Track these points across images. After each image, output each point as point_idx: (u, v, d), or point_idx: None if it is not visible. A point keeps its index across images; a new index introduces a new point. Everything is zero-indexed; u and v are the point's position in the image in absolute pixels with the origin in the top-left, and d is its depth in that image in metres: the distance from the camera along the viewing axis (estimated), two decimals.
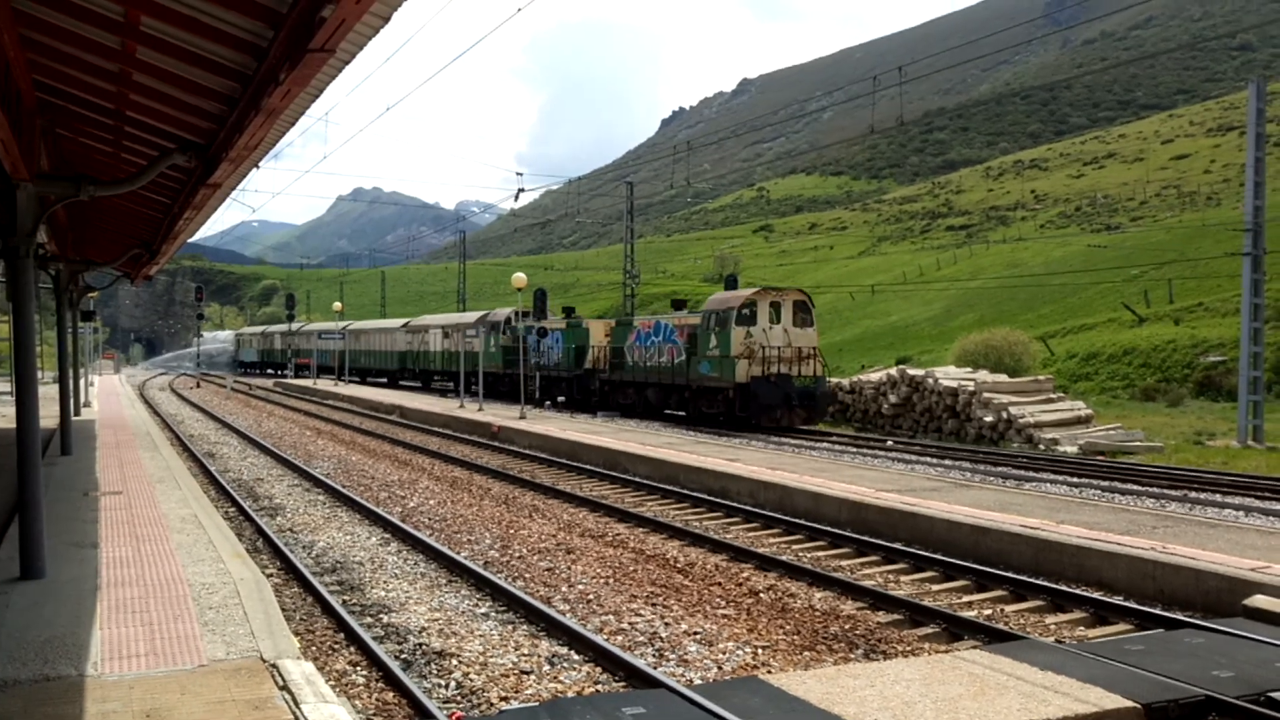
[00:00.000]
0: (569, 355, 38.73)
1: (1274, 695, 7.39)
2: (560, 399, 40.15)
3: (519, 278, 34.45)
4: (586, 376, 37.34)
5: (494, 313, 45.25)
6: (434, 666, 8.69)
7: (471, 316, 51.02)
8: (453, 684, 8.26)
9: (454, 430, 31.70)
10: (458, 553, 12.96)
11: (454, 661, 8.78)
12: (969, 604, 10.90)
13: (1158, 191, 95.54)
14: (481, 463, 22.94)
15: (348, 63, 7.04)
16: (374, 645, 8.94)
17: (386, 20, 6.33)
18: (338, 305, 70.72)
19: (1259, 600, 9.56)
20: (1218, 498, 16.80)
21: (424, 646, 9.21)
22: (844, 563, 12.92)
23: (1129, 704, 7.16)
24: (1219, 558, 10.78)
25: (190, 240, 22.22)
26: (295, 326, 75.42)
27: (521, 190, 48.25)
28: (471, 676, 8.40)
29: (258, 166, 11.53)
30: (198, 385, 64.80)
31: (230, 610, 8.74)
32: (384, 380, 60.33)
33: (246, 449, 27.09)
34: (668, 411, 34.19)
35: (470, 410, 35.17)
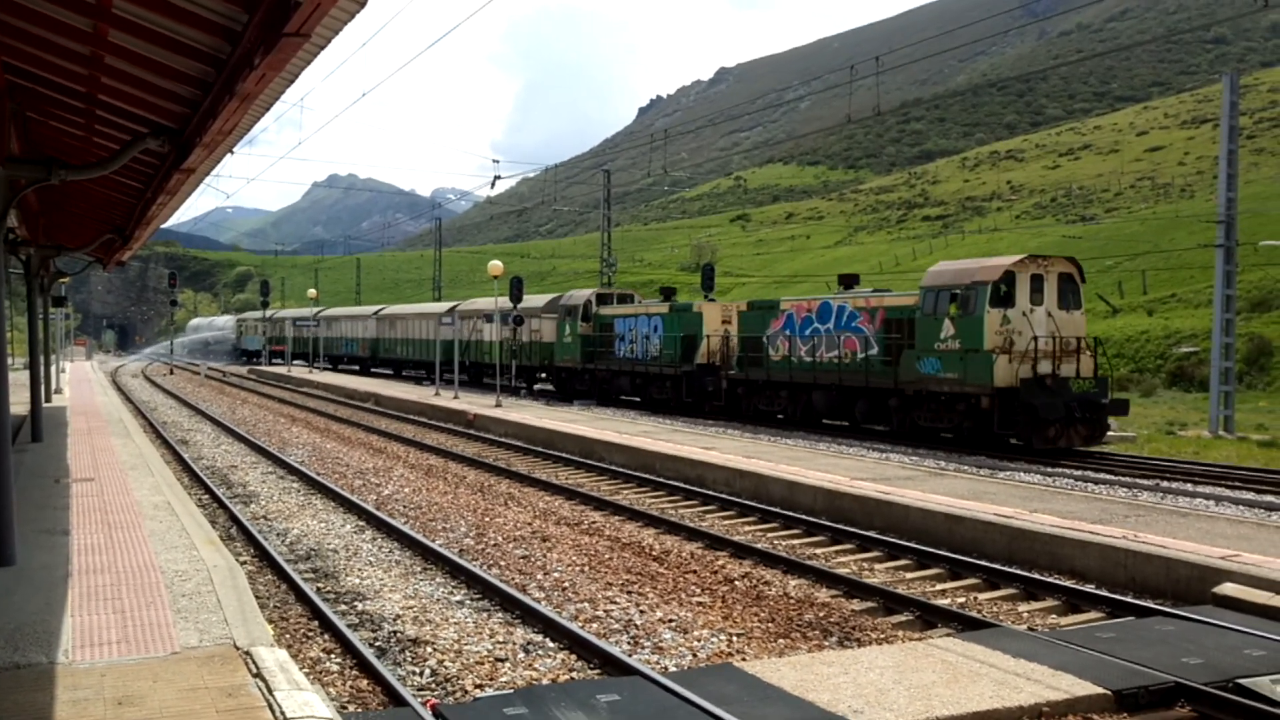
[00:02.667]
0: (674, 347, 31.51)
1: (1242, 682, 7.47)
2: (634, 397, 34.47)
3: (495, 265, 34.33)
4: (699, 374, 30.73)
5: (571, 295, 38.27)
6: (409, 654, 8.67)
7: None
8: (427, 671, 8.25)
9: (439, 420, 31.63)
10: (433, 540, 12.93)
11: (429, 649, 8.76)
12: (943, 592, 10.97)
13: (1132, 183, 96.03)
14: (458, 450, 22.89)
15: (323, 48, 6.99)
16: (348, 632, 8.92)
17: (362, 4, 6.28)
18: (312, 292, 70.33)
19: (1228, 588, 9.65)
20: (1189, 487, 16.95)
21: (399, 634, 9.19)
22: (819, 551, 12.97)
23: (1100, 691, 7.23)
24: (1189, 546, 10.88)
25: (164, 226, 22.04)
26: (316, 312, 69.71)
27: (498, 177, 48.03)
28: (446, 664, 8.39)
29: (232, 152, 11.43)
30: (171, 372, 64.37)
31: (203, 598, 8.69)
32: (420, 372, 52.00)
33: (220, 436, 26.93)
34: (834, 422, 26.64)
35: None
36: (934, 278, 22.67)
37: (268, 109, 8.75)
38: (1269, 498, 15.74)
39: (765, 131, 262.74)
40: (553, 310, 39.04)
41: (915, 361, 22.68)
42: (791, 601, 10.36)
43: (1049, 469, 19.15)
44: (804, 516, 14.52)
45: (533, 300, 41.02)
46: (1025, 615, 10.13)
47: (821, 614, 9.91)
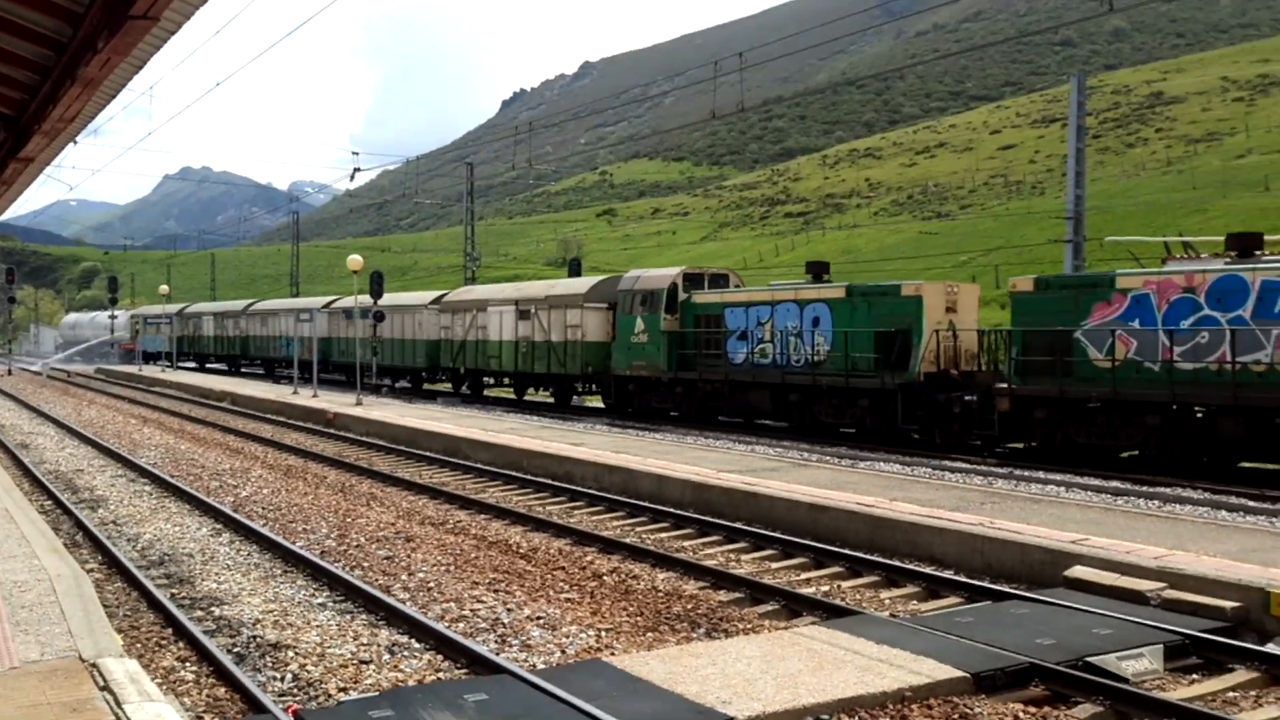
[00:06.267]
0: (863, 346, 22.11)
1: (1091, 660, 7.78)
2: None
3: (354, 260, 33.55)
4: (917, 389, 20.93)
5: (640, 275, 28.42)
6: (269, 659, 8.41)
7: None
8: (289, 676, 8.01)
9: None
10: (293, 542, 12.58)
11: (290, 653, 8.51)
12: (808, 581, 11.14)
13: (986, 180, 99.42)
14: (319, 450, 22.36)
15: (173, 33, 6.71)
16: (204, 639, 8.59)
17: None
18: (164, 288, 67.84)
19: (1078, 571, 10.04)
20: (1041, 475, 17.54)
21: (258, 639, 8.90)
22: (687, 543, 13.05)
23: (959, 674, 7.43)
24: (1042, 532, 11.27)
25: None
26: (180, 309, 63.45)
27: (357, 170, 47.03)
28: (309, 668, 8.16)
29: (75, 141, 10.93)
30: (9, 372, 61.33)
31: (45, 609, 8.26)
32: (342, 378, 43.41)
33: (65, 439, 25.76)
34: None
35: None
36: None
37: (113, 96, 8.36)
38: (1114, 483, 16.43)
39: (630, 126, 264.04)
40: (601, 298, 29.56)
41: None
42: (660, 595, 10.39)
43: (907, 458, 19.63)
44: (672, 510, 14.59)
45: (568, 286, 32.28)
46: (887, 602, 10.35)
47: (690, 606, 9.96)
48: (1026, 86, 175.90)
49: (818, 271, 25.02)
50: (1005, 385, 19.43)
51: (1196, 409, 17.01)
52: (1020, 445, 20.01)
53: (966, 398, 20.25)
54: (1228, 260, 17.53)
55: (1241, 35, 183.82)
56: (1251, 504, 14.54)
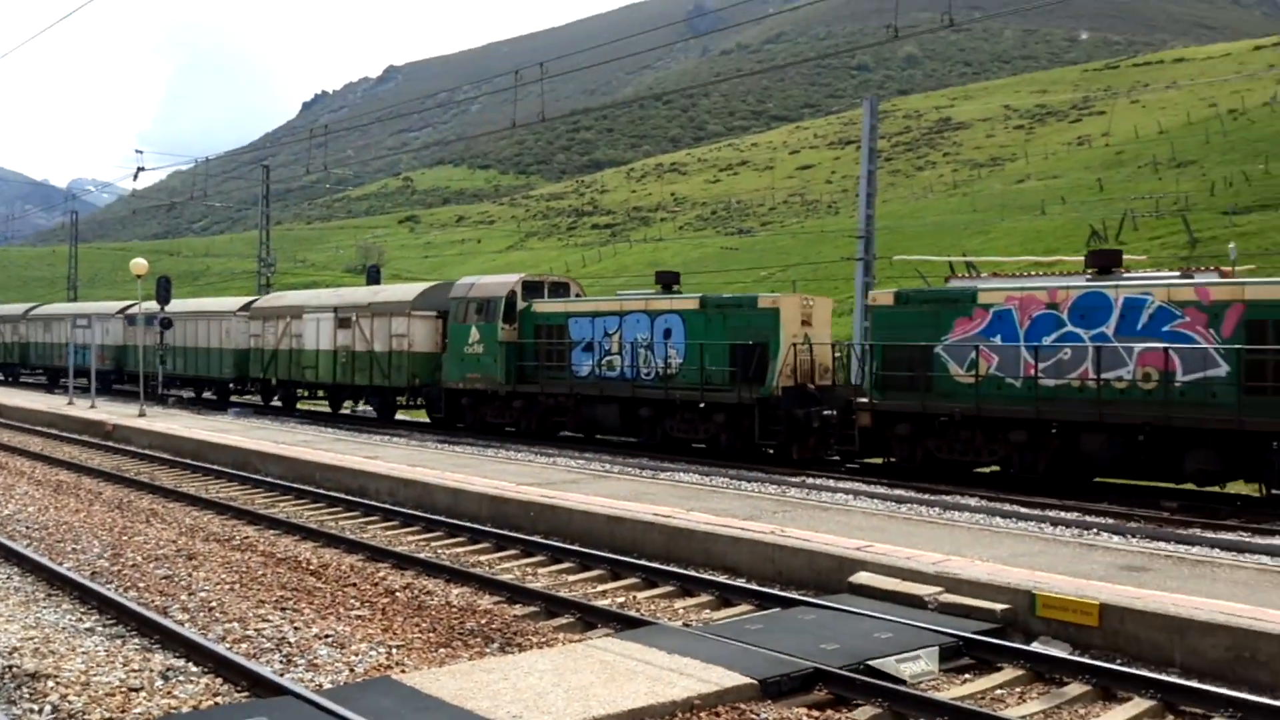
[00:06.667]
0: (719, 359, 21.48)
1: (872, 663, 8.05)
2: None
3: (138, 263, 31.76)
4: (775, 403, 20.45)
5: (480, 282, 26.88)
6: (25, 690, 7.82)
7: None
8: (48, 708, 7.46)
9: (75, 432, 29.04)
10: (60, 563, 11.79)
11: (50, 683, 7.94)
12: (604, 593, 11.15)
13: (785, 198, 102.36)
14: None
15: None
16: None
17: None
18: None
19: (862, 577, 10.38)
20: (830, 483, 18.13)
21: (14, 669, 8.27)
22: (483, 558, 12.88)
23: (747, 680, 7.56)
24: (830, 539, 11.62)
25: None
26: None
27: (141, 169, 44.72)
28: (70, 698, 7.62)
29: None
30: None
31: None
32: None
33: None
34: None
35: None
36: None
37: None
38: (899, 491, 17.11)
39: (435, 132, 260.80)
40: (431, 306, 28.01)
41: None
42: (454, 610, 10.20)
43: (706, 469, 19.95)
44: (470, 524, 14.38)
45: (394, 292, 30.30)
46: (681, 612, 10.46)
47: (484, 621, 9.82)
48: (824, 108, 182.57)
49: (667, 282, 24.36)
50: (866, 400, 19.30)
51: (1053, 426, 17.07)
52: (879, 461, 20.09)
53: (826, 412, 20.18)
54: (1089, 277, 17.80)
55: (1023, 66, 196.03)
56: (1023, 510, 15.38)
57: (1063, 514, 15.09)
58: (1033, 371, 17.24)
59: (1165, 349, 15.93)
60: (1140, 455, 16.23)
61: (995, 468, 18.44)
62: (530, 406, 25.12)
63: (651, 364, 22.77)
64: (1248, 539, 13.39)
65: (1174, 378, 15.92)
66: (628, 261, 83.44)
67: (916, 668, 8.17)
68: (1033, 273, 19.68)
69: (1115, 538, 13.25)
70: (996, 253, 48.77)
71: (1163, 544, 12.72)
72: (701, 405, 21.62)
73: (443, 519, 14.79)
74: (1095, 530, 13.86)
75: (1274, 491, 15.31)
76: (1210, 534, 13.71)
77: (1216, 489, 16.55)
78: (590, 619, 9.95)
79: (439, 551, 13.20)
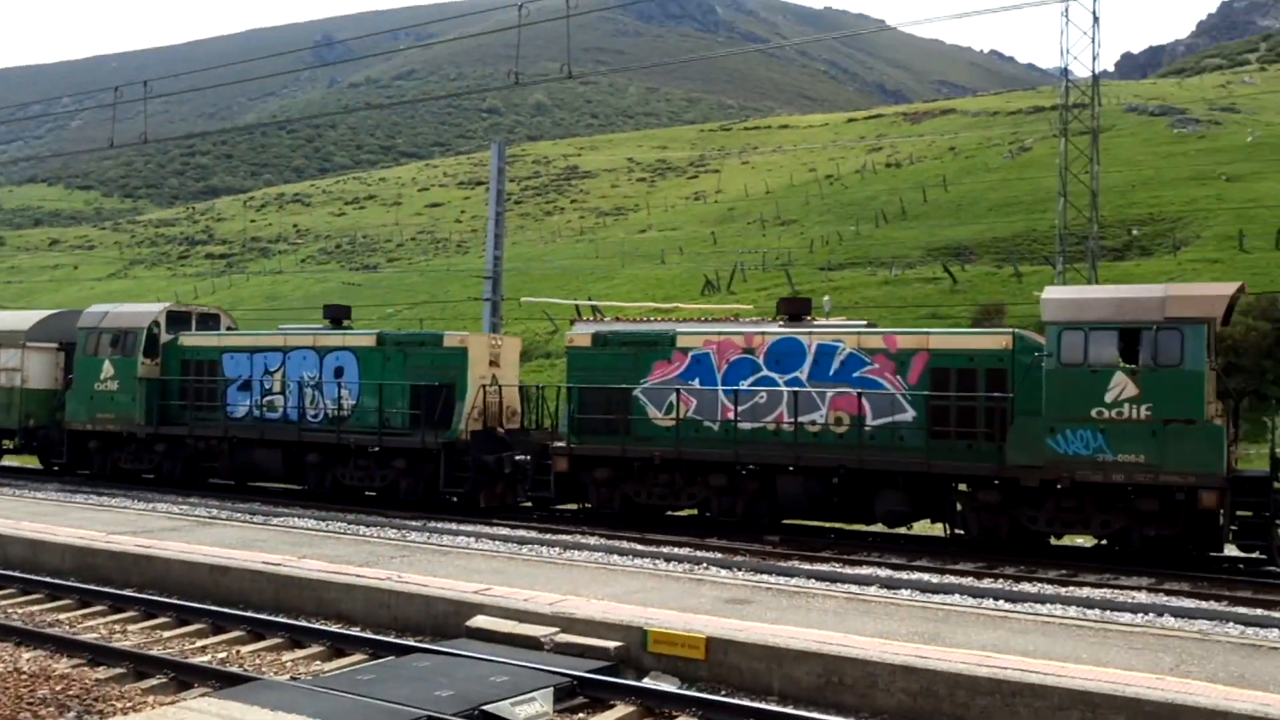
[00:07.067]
0: (399, 401, 20.24)
1: (486, 709, 7.93)
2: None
3: None
4: (462, 448, 19.38)
5: (116, 311, 23.97)
6: None
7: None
8: None
9: None
10: None
11: None
12: (203, 649, 10.36)
13: (413, 235, 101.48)
14: None
15: None
16: None
17: None
18: None
19: (480, 620, 10.26)
20: (454, 526, 17.86)
21: None
22: (63, 615, 11.63)
23: None
24: (448, 583, 11.41)
25: None
26: None
27: None
28: None
29: None
30: None
31: None
32: None
33: None
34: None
35: None
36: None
37: None
38: (521, 532, 17.17)
39: (28, 146, 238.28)
40: (51, 337, 24.89)
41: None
42: (23, 677, 9.08)
43: (322, 512, 19.17)
44: (49, 580, 12.95)
45: (5, 320, 26.24)
46: (289, 665, 9.88)
47: (60, 688, 8.81)
48: (454, 148, 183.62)
49: (337, 316, 22.72)
50: (563, 444, 18.74)
51: (751, 468, 17.27)
52: (574, 507, 19.46)
53: (518, 457, 19.46)
54: (781, 324, 18.18)
55: (645, 122, 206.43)
56: (640, 547, 15.88)
57: (676, 550, 15.69)
58: (731, 415, 17.46)
59: (857, 394, 16.52)
60: (834, 497, 16.73)
61: (694, 511, 18.52)
62: (176, 450, 22.74)
63: (320, 405, 21.18)
64: (840, 569, 14.49)
65: (864, 422, 16.56)
66: (244, 294, 79.52)
67: (531, 710, 8.13)
68: (730, 318, 20.17)
69: (723, 571, 13.92)
70: (620, 298, 50.71)
71: (765, 576, 13.49)
72: (377, 450, 20.34)
73: (16, 574, 13.23)
74: (705, 565, 14.49)
75: (958, 532, 16.30)
76: (807, 565, 14.70)
77: (904, 530, 17.25)
78: (186, 678, 9.18)
79: (9, 611, 11.77)
